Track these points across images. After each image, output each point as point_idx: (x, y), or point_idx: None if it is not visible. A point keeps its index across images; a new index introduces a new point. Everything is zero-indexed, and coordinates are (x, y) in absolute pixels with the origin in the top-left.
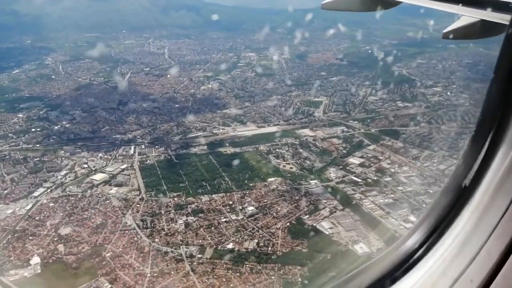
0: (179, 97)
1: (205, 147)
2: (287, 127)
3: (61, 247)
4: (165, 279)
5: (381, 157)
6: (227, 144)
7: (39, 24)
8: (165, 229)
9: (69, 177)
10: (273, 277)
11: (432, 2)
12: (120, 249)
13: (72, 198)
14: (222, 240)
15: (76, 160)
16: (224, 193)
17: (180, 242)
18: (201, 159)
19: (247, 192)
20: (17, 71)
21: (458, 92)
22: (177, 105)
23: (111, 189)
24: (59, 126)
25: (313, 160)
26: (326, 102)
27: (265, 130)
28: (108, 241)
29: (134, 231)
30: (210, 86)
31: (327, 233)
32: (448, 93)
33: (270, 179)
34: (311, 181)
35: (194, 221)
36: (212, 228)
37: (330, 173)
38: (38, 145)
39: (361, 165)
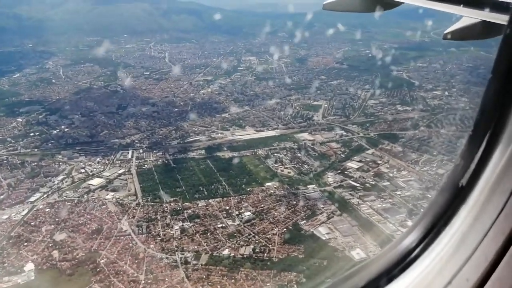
0: (178, 101)
1: (203, 151)
2: (286, 131)
3: (55, 253)
4: (159, 286)
5: (379, 162)
6: (225, 149)
7: (41, 28)
8: (161, 235)
9: (66, 182)
10: (268, 284)
11: (433, 3)
12: (115, 255)
13: (68, 203)
14: (218, 246)
15: (73, 164)
16: (221, 198)
17: (176, 248)
18: (198, 164)
19: (244, 197)
20: (18, 75)
21: (458, 96)
22: (176, 109)
23: (107, 194)
24: (57, 131)
25: (311, 164)
26: (326, 105)
27: (263, 134)
28: (103, 247)
29: (130, 237)
30: (209, 90)
31: (324, 238)
32: (448, 96)
33: (267, 184)
34: (308, 186)
35: (190, 227)
36: (208, 234)
37: (328, 177)
38: (36, 150)
39: (359, 169)
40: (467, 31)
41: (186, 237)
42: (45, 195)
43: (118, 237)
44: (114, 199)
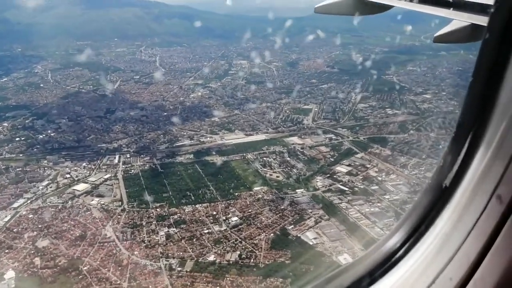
0: (167, 105)
1: (191, 155)
2: (276, 135)
3: (37, 261)
4: None
5: (368, 165)
6: (214, 153)
7: (30, 32)
8: (146, 241)
9: (51, 187)
10: None
11: (423, 6)
12: (98, 263)
13: (52, 209)
14: (204, 252)
15: (59, 170)
16: (208, 203)
17: (160, 255)
18: (186, 168)
19: (232, 202)
20: (5, 79)
21: (447, 99)
22: (165, 113)
23: (92, 200)
24: (44, 135)
25: (300, 168)
26: (316, 109)
27: (253, 138)
28: (86, 254)
29: (114, 243)
30: (199, 94)
31: (311, 243)
32: (438, 100)
33: (255, 188)
34: (297, 190)
35: (176, 233)
36: (194, 240)
37: (317, 181)
38: (21, 155)
39: (348, 173)
40: (457, 35)
41: (172, 243)
42: (29, 201)
43: (102, 244)
44: (99, 204)
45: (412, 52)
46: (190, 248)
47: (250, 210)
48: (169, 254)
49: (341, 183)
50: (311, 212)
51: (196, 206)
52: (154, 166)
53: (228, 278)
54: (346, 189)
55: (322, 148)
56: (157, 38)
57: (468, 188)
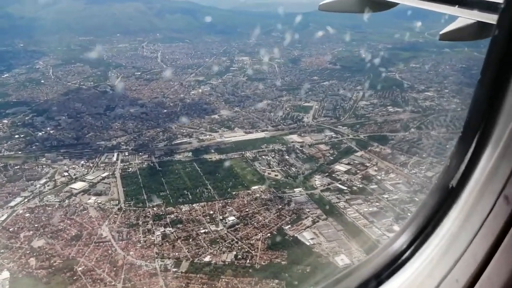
0: (168, 102)
1: (190, 153)
2: (275, 132)
3: (32, 261)
4: None
5: (368, 164)
6: (213, 151)
7: (32, 27)
8: (141, 241)
9: (48, 186)
10: None
11: (428, 4)
12: (93, 263)
13: (49, 208)
14: (200, 253)
15: (57, 168)
16: (206, 202)
17: (156, 255)
18: (184, 167)
19: (229, 201)
20: (7, 75)
21: (450, 97)
22: (165, 110)
23: (89, 199)
24: (43, 133)
25: (299, 167)
26: (317, 107)
27: (252, 136)
28: (81, 254)
29: (109, 243)
30: (200, 90)
31: (308, 244)
32: (440, 97)
33: (253, 187)
34: (295, 189)
35: (172, 232)
36: (190, 240)
37: (315, 180)
38: (20, 152)
39: (347, 172)
40: (462, 32)
41: (167, 243)
42: (26, 200)
43: (97, 244)
44: (96, 203)
45: (416, 49)
46: (186, 249)
47: (247, 210)
48: (165, 255)
49: (339, 182)
50: (308, 212)
51: (193, 205)
52: (152, 164)
53: (223, 280)
54: (345, 188)
55: (322, 146)
56: (159, 34)
57: (475, 189)
